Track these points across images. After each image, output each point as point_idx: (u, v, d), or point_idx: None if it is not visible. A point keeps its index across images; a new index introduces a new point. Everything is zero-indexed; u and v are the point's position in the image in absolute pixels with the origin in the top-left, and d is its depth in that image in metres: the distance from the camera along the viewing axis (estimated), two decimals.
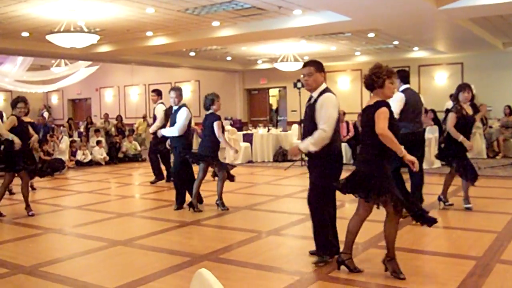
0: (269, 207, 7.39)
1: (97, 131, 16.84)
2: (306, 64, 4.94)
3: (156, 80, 23.07)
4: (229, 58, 19.20)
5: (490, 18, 11.82)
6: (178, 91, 7.80)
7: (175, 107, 7.76)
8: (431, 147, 11.71)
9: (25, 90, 20.20)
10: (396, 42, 15.44)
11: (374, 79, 4.44)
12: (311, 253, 5.10)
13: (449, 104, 17.28)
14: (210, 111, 7.36)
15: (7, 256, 5.46)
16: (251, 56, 18.72)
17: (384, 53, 17.67)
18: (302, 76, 4.93)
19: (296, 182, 10.48)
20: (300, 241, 5.93)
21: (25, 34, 12.44)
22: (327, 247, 4.85)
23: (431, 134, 11.72)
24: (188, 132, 7.70)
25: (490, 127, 14.93)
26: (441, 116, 14.84)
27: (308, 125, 4.90)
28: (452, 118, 6.94)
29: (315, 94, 4.83)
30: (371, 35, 13.97)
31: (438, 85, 18.15)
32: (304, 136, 4.95)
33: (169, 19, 11.26)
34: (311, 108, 4.84)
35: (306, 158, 13.47)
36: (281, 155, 13.96)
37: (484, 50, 16.10)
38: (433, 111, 12.75)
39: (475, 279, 4.32)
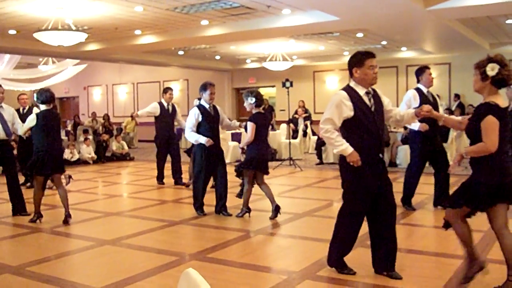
0: (257, 206, 7.39)
1: (85, 131, 16.72)
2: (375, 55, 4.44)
3: (145, 79, 23.01)
4: (218, 57, 19.20)
5: (478, 19, 11.91)
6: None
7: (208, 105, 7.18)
8: None
9: (12, 88, 20.02)
10: (384, 42, 15.52)
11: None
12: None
13: None
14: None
15: None
16: (240, 55, 18.72)
17: None
18: (375, 66, 4.35)
19: (285, 182, 10.50)
20: (288, 240, 5.94)
21: (12, 31, 12.34)
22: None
23: None
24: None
25: None
26: None
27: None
28: None
29: (371, 89, 4.45)
30: (360, 35, 14.03)
31: None
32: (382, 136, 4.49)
33: (157, 18, 11.23)
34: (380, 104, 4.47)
35: (294, 158, 13.40)
36: (270, 155, 13.98)
37: (471, 51, 16.20)
38: None
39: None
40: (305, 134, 16.07)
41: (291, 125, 15.80)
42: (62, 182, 7.19)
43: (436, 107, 7.12)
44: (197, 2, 9.88)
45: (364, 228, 6.11)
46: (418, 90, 7.25)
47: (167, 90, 10.22)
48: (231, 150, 13.94)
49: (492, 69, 3.79)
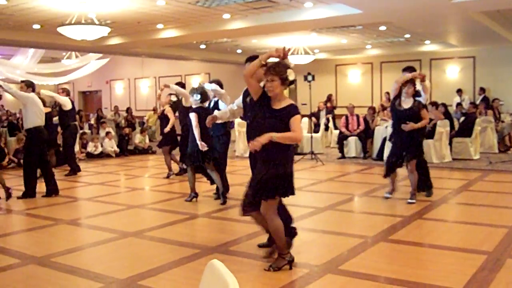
0: None
1: (103, 122, 16.85)
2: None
3: (166, 72, 23.10)
4: (239, 51, 19.17)
5: (503, 12, 11.70)
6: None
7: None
8: (442, 141, 11.64)
9: (36, 82, 20.23)
10: (407, 35, 15.34)
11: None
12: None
13: (457, 99, 17.23)
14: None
15: (19, 247, 5.53)
16: (261, 49, 18.66)
17: (396, 47, 17.57)
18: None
19: (306, 175, 10.47)
20: (310, 234, 5.93)
21: (36, 26, 12.49)
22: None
23: (442, 128, 11.65)
24: None
25: (502, 121, 14.82)
26: (451, 110, 14.78)
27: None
28: None
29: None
30: (383, 28, 13.89)
31: (449, 78, 18.04)
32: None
33: (179, 12, 11.25)
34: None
35: (316, 152, 13.38)
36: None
37: (496, 44, 15.96)
38: (444, 105, 12.67)
39: (486, 274, 4.30)
40: (327, 128, 16.00)
41: (313, 119, 15.75)
42: None
43: None
44: None
45: (383, 223, 6.09)
46: None
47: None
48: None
49: (290, 74, 4.43)
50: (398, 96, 7.21)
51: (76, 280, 4.42)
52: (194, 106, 7.48)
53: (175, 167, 10.72)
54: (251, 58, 4.93)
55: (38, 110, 8.39)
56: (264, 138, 4.22)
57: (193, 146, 7.44)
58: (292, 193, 4.47)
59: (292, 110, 4.37)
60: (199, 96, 7.39)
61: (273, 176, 4.35)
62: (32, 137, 8.36)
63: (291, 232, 4.91)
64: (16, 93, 8.41)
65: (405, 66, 7.90)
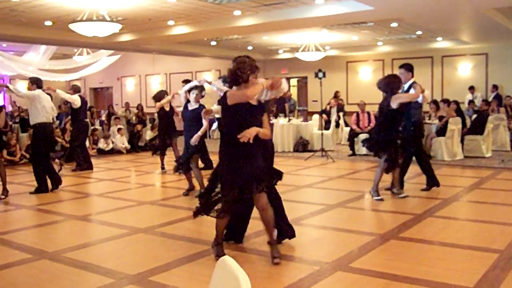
0: (289, 197, 7.37)
1: (116, 118, 16.91)
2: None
3: (177, 69, 23.13)
4: (250, 48, 19.16)
5: None
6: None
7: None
8: (454, 139, 11.57)
9: (48, 79, 20.37)
10: (419, 32, 15.25)
11: (239, 74, 4.65)
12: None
13: (469, 96, 17.09)
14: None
15: (31, 242, 5.57)
16: (272, 46, 18.66)
17: (407, 43, 17.46)
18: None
19: (317, 172, 10.45)
20: (320, 231, 5.92)
21: (48, 23, 12.56)
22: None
23: (454, 125, 11.57)
24: None
25: None
26: (463, 107, 14.68)
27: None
28: None
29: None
30: (394, 24, 13.81)
31: (461, 76, 17.91)
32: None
33: (190, 8, 11.27)
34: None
35: (326, 149, 13.37)
36: (302, 145, 13.93)
37: (509, 41, 15.83)
38: (456, 102, 12.58)
39: (498, 272, 4.27)
40: (337, 125, 15.96)
41: (324, 116, 15.71)
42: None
43: None
44: None
45: (394, 221, 6.07)
46: None
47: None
48: None
49: None
50: (388, 97, 7.27)
51: (87, 275, 4.45)
52: (196, 103, 7.61)
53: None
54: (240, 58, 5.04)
55: (42, 107, 8.42)
56: (254, 131, 4.42)
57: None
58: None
59: (265, 105, 4.75)
60: (204, 92, 7.64)
61: (264, 167, 4.64)
62: (36, 133, 8.43)
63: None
64: (23, 94, 8.56)
65: (416, 63, 7.93)
